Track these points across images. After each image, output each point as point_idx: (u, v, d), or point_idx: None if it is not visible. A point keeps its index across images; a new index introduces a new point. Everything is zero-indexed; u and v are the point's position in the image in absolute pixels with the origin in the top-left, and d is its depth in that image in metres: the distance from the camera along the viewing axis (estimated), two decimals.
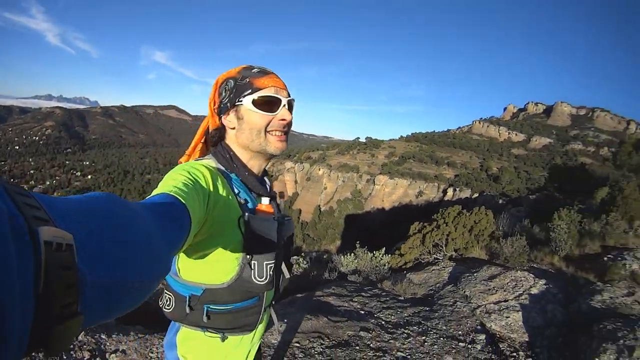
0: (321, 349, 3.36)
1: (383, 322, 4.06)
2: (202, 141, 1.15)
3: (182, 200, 0.70)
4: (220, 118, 1.09)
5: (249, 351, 1.22)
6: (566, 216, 7.15)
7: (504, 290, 4.66)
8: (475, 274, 5.32)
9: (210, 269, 0.98)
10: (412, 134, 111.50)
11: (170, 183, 0.76)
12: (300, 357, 3.21)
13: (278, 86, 1.05)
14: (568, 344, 3.63)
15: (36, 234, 0.30)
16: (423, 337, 3.76)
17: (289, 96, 1.09)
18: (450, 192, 68.51)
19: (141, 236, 0.47)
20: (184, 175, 0.82)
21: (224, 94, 1.06)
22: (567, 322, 3.97)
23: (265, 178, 1.22)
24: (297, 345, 3.40)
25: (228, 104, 1.05)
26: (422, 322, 4.13)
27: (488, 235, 7.27)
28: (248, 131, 1.05)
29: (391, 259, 7.08)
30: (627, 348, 2.96)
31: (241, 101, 1.03)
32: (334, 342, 3.51)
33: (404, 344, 3.60)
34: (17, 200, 0.31)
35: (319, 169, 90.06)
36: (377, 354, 3.36)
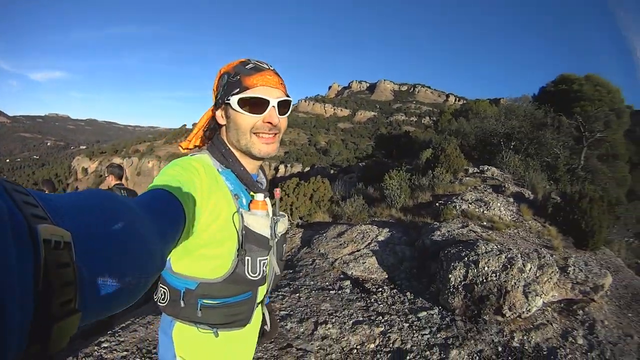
0: None
1: None
2: (204, 129, 1.10)
3: (177, 196, 0.70)
4: (214, 112, 1.06)
5: (245, 350, 1.20)
6: (396, 176, 8.08)
7: (354, 243, 5.24)
8: (324, 234, 5.82)
9: (205, 263, 0.97)
10: None
11: (165, 178, 0.77)
12: None
13: (269, 85, 1.00)
14: (422, 271, 4.35)
15: (35, 232, 0.29)
16: (297, 294, 4.05)
17: (286, 95, 1.06)
18: (282, 168, 70.75)
19: (136, 233, 0.47)
20: (179, 171, 0.82)
21: (219, 88, 1.04)
22: (417, 257, 4.71)
23: (262, 174, 1.19)
24: None
25: (220, 100, 1.03)
26: (291, 282, 4.44)
27: (328, 200, 7.98)
28: (234, 130, 1.03)
29: None
30: (473, 262, 3.74)
31: (229, 100, 1.00)
32: None
33: (282, 304, 3.84)
34: (15, 198, 0.30)
35: (149, 162, 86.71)
36: None
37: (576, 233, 5.84)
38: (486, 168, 9.10)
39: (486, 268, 3.64)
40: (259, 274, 1.03)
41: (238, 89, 0.98)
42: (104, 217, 0.43)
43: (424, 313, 3.61)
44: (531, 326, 3.43)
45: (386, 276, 4.47)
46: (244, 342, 1.18)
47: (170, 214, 0.66)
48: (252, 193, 1.06)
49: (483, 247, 3.88)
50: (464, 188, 7.39)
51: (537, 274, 3.70)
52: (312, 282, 4.42)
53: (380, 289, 4.18)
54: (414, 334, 3.32)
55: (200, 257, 0.95)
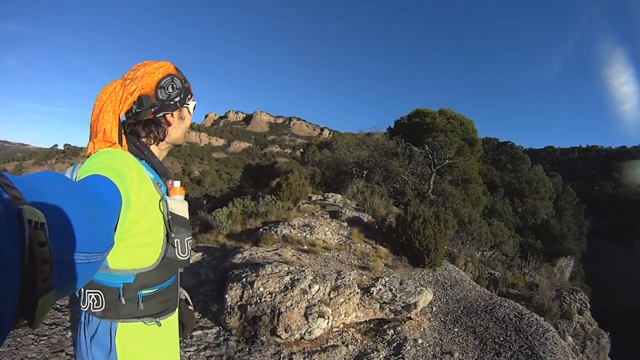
0: None
1: None
2: (131, 125, 1.08)
3: (114, 181, 0.73)
4: (156, 112, 1.07)
5: (176, 334, 1.21)
6: (239, 203, 8.55)
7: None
8: None
9: (141, 253, 0.97)
10: None
11: (100, 166, 0.77)
12: None
13: None
14: (221, 294, 4.20)
15: (21, 213, 0.32)
16: None
17: None
18: None
19: (90, 214, 0.50)
20: (111, 160, 0.83)
21: (171, 90, 1.08)
22: (219, 279, 4.64)
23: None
24: None
25: (178, 104, 1.10)
26: None
27: None
28: (182, 130, 1.17)
29: None
30: (249, 283, 3.70)
31: (188, 104, 1.15)
32: None
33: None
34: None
35: None
36: None
37: (410, 252, 6.08)
38: (330, 195, 9.55)
39: (262, 289, 3.64)
40: (187, 254, 1.08)
41: (190, 95, 1.15)
42: (63, 199, 0.44)
43: (199, 332, 3.51)
44: (318, 348, 3.36)
45: (182, 297, 4.11)
46: (175, 326, 1.19)
47: (111, 196, 0.69)
48: (169, 181, 1.09)
49: (270, 268, 3.91)
50: (300, 214, 7.68)
51: (331, 295, 3.72)
52: None
53: None
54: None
55: (135, 247, 0.94)
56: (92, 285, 1.00)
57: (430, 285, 5.17)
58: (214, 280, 4.66)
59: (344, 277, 3.90)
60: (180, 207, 1.06)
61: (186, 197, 1.15)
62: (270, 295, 3.55)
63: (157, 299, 1.06)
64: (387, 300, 3.98)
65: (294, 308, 3.42)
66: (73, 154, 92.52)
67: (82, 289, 1.02)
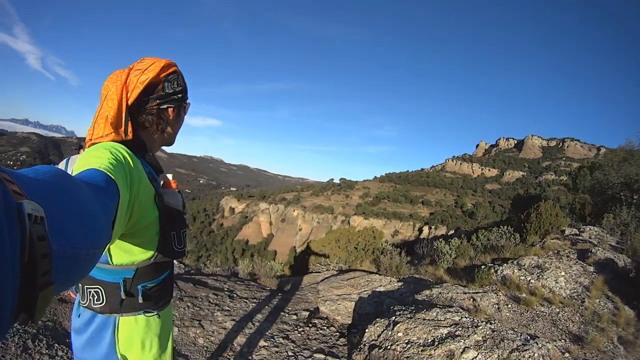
0: (185, 298, 4.36)
1: (234, 295, 4.71)
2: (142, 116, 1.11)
3: (112, 176, 0.72)
4: (160, 104, 1.11)
5: (171, 323, 1.29)
6: (482, 236, 7.70)
7: (352, 287, 5.09)
8: (338, 277, 5.82)
9: (138, 247, 1.01)
10: (385, 174, 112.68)
11: (98, 161, 0.77)
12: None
13: None
14: None
15: (21, 207, 0.32)
16: (261, 306, 4.41)
17: None
18: (425, 230, 68.14)
19: (88, 208, 0.50)
20: (108, 154, 0.83)
21: (176, 86, 1.13)
22: None
23: None
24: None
25: (179, 100, 1.15)
26: (266, 299, 4.71)
27: (379, 251, 7.85)
28: (177, 128, 1.20)
29: (283, 267, 7.83)
30: (394, 323, 3.30)
31: (187, 103, 1.19)
32: (192, 296, 4.44)
33: (241, 307, 4.29)
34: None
35: (294, 210, 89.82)
36: (216, 307, 4.22)
37: None
38: (587, 229, 7.54)
39: (401, 334, 3.09)
40: (183, 246, 1.12)
41: (187, 95, 1.18)
42: (61, 194, 0.45)
43: (321, 356, 3.42)
44: None
45: (349, 322, 4.25)
46: (170, 317, 1.27)
47: (108, 191, 0.68)
48: (162, 174, 1.14)
49: (433, 313, 3.30)
50: (543, 252, 6.28)
51: None
52: (281, 304, 4.63)
53: (323, 328, 4.05)
54: None
55: (134, 241, 0.99)
56: (92, 281, 1.03)
57: None
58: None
59: (529, 349, 2.77)
60: (175, 200, 1.08)
61: (179, 192, 1.18)
62: (404, 345, 3.01)
63: (156, 291, 1.10)
64: None
65: None
66: (348, 187, 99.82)
67: (82, 285, 1.05)
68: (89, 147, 0.97)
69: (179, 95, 1.13)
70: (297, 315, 4.25)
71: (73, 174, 0.69)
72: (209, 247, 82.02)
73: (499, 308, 4.25)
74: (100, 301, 1.02)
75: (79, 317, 1.07)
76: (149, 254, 1.03)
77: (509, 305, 4.34)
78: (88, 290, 1.03)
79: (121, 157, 0.86)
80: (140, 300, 1.04)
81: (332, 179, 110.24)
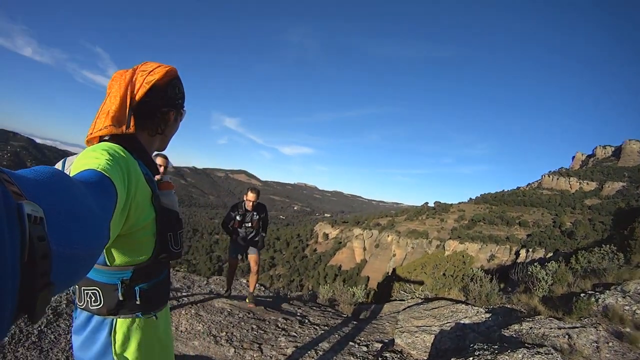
0: (252, 320, 4.39)
1: (305, 320, 4.57)
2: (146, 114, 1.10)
3: (110, 176, 0.72)
4: (162, 106, 1.11)
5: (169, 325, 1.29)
6: (582, 258, 6.83)
7: (435, 318, 4.69)
8: (421, 305, 5.37)
9: (136, 248, 1.01)
10: (481, 195, 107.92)
11: (95, 162, 0.76)
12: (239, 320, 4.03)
13: None
14: None
15: (21, 208, 0.33)
16: (330, 334, 4.18)
17: None
18: (522, 253, 63.67)
19: (87, 209, 0.51)
20: (106, 154, 0.82)
21: (177, 92, 1.16)
22: None
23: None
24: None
25: (179, 106, 1.18)
26: (338, 326, 4.51)
27: (469, 277, 7.10)
28: (172, 133, 1.21)
29: (367, 294, 7.43)
30: None
31: (184, 110, 1.22)
32: (259, 319, 4.44)
33: (309, 334, 4.14)
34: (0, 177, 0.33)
35: (388, 236, 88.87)
36: (282, 332, 4.11)
37: None
38: None
39: None
40: (180, 247, 1.14)
41: (184, 102, 1.21)
42: (60, 194, 0.45)
43: None
44: None
45: (425, 358, 3.94)
46: (168, 318, 1.27)
47: (106, 192, 0.68)
48: (159, 176, 1.16)
49: (519, 355, 2.92)
50: None
51: None
52: (354, 333, 4.38)
53: None
54: None
55: (132, 242, 0.99)
56: (89, 282, 1.02)
57: None
58: None
59: None
60: (171, 201, 1.10)
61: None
62: None
63: (153, 292, 1.09)
64: None
65: None
66: (443, 210, 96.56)
67: (79, 287, 1.04)
68: (87, 141, 1.00)
69: (180, 101, 1.16)
70: (368, 347, 4.00)
71: (71, 175, 0.71)
72: (301, 272, 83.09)
73: (598, 347, 3.65)
74: (98, 302, 1.02)
75: (77, 318, 1.07)
76: (147, 255, 1.03)
77: (610, 344, 3.72)
78: (85, 291, 1.02)
79: (118, 157, 0.86)
80: (138, 302, 1.05)
81: (427, 203, 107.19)
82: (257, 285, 6.18)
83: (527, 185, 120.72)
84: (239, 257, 5.16)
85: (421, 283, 7.46)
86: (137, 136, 1.07)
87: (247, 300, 5.00)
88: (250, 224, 5.04)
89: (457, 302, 5.53)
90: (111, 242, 0.80)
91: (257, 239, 5.11)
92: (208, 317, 4.30)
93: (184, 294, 5.23)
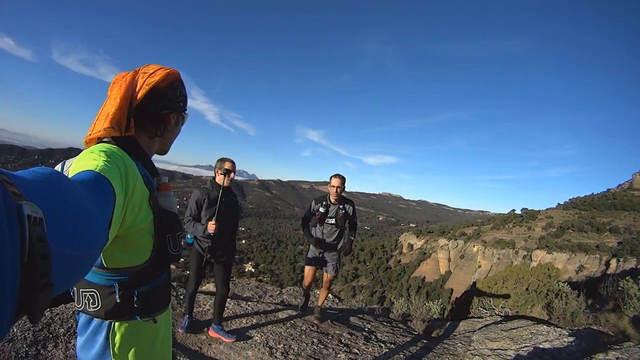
0: (314, 333, 4.26)
1: (372, 337, 4.39)
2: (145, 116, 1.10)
3: (107, 177, 0.73)
4: (163, 108, 1.12)
5: (170, 328, 1.29)
6: None
7: (511, 340, 4.32)
8: (499, 325, 5.02)
9: (133, 250, 1.00)
10: (570, 199, 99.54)
11: (93, 163, 0.77)
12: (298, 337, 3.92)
13: None
14: None
15: (21, 208, 0.33)
16: (395, 353, 3.97)
17: None
18: (613, 263, 57.89)
19: (85, 209, 0.51)
20: (104, 156, 0.83)
21: (178, 94, 1.15)
22: None
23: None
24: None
25: (180, 108, 1.18)
26: (406, 345, 4.29)
27: (552, 293, 6.51)
28: (174, 136, 1.22)
29: (440, 309, 6.98)
30: None
31: (186, 113, 1.22)
32: (323, 332, 4.33)
33: (373, 352, 3.94)
34: None
35: (474, 246, 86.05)
36: (344, 348, 3.95)
37: None
38: None
39: None
40: (179, 249, 1.13)
41: (186, 107, 1.21)
42: (59, 195, 0.46)
43: None
44: None
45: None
46: (169, 321, 1.27)
47: (105, 193, 0.69)
48: (158, 177, 1.14)
49: None
50: None
51: None
52: (420, 352, 4.11)
53: None
54: None
55: (129, 244, 0.98)
56: (87, 284, 1.01)
57: None
58: None
59: None
60: (169, 202, 1.10)
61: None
62: None
63: (152, 295, 1.09)
64: None
65: None
66: (530, 217, 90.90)
67: (77, 289, 1.03)
68: (86, 142, 1.00)
69: (181, 104, 1.17)
70: None
71: (69, 176, 0.70)
72: (385, 284, 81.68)
73: None
74: (96, 305, 1.01)
75: (79, 319, 1.08)
76: (144, 257, 1.02)
77: None
78: (83, 293, 1.02)
79: (116, 158, 0.86)
80: (136, 305, 1.04)
81: (514, 210, 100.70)
82: (331, 296, 6.15)
83: (618, 187, 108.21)
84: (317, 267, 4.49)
85: (503, 297, 7.00)
86: (136, 138, 1.07)
87: (313, 315, 4.65)
88: (334, 221, 4.27)
89: (539, 321, 5.06)
90: (108, 244, 0.74)
91: (337, 241, 4.37)
92: (269, 327, 4.18)
93: (249, 304, 4.96)
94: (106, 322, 1.06)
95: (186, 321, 3.77)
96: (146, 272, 1.06)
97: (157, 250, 1.04)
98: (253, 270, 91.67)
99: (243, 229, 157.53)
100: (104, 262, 0.98)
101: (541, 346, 3.99)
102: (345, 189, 4.36)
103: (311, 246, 4.53)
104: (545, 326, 4.53)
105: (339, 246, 4.43)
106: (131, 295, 1.04)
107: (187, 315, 3.81)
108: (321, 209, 4.25)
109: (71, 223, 0.45)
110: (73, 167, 0.79)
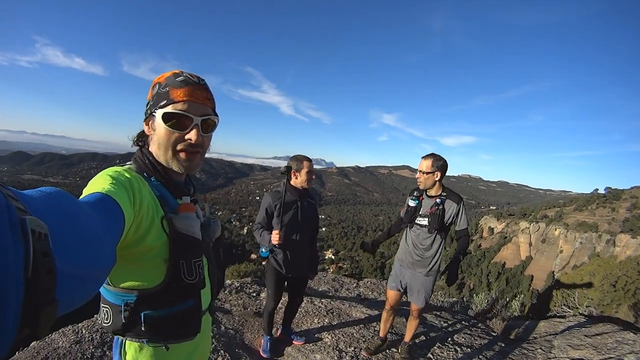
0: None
1: (449, 338, 4.31)
2: (135, 140, 1.14)
3: (115, 198, 0.73)
4: (145, 119, 1.08)
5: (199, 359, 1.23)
6: None
7: (594, 349, 4.06)
8: (584, 329, 4.76)
9: (141, 272, 0.97)
10: None
11: (100, 185, 0.78)
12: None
13: (196, 101, 1.02)
14: None
15: (24, 223, 0.34)
16: (471, 359, 3.88)
17: (213, 112, 1.09)
18: None
19: (92, 230, 0.52)
20: (110, 179, 0.83)
21: (148, 99, 1.06)
22: None
23: (188, 180, 1.21)
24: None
25: (148, 111, 1.05)
26: (480, 349, 4.15)
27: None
28: (157, 144, 1.05)
29: (520, 305, 6.60)
30: None
31: (155, 112, 1.03)
32: (397, 334, 4.16)
33: (448, 356, 3.84)
34: (3, 192, 0.34)
35: (555, 229, 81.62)
36: (417, 350, 3.83)
37: None
38: None
39: None
40: (195, 277, 1.04)
41: (165, 101, 1.00)
42: (65, 215, 0.47)
43: None
44: None
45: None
46: (197, 352, 1.21)
47: (112, 213, 0.69)
48: (178, 198, 1.09)
49: None
50: None
51: None
52: (498, 358, 4.00)
53: None
54: None
55: (136, 266, 0.96)
56: (103, 300, 1.02)
57: None
58: None
59: None
60: (187, 225, 1.02)
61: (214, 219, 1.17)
62: None
63: (167, 321, 1.03)
64: None
65: None
66: (615, 197, 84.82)
67: (99, 303, 1.04)
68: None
69: (147, 107, 1.07)
70: None
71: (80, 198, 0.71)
72: (464, 269, 79.08)
73: None
74: (108, 321, 1.01)
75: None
76: (154, 281, 0.99)
77: None
78: (101, 307, 1.03)
79: (123, 180, 0.86)
80: (143, 328, 1.00)
81: (597, 189, 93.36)
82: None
83: None
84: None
85: (588, 294, 6.22)
86: (144, 151, 1.07)
87: (398, 350, 3.62)
88: (426, 221, 3.01)
89: (625, 326, 4.66)
90: (117, 264, 0.70)
91: (433, 255, 3.08)
92: (340, 328, 4.05)
93: (322, 301, 4.86)
94: (119, 339, 1.08)
95: (267, 343, 3.45)
96: (158, 297, 1.00)
97: (170, 276, 1.00)
98: (333, 257, 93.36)
99: (323, 216, 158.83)
100: (111, 280, 0.98)
101: (626, 359, 3.70)
102: (445, 176, 3.02)
103: (396, 259, 3.41)
104: (632, 334, 4.19)
105: (434, 265, 3.10)
106: (138, 318, 1.00)
107: (267, 336, 3.45)
108: (410, 202, 3.11)
109: (76, 242, 0.46)
110: (84, 192, 0.78)
